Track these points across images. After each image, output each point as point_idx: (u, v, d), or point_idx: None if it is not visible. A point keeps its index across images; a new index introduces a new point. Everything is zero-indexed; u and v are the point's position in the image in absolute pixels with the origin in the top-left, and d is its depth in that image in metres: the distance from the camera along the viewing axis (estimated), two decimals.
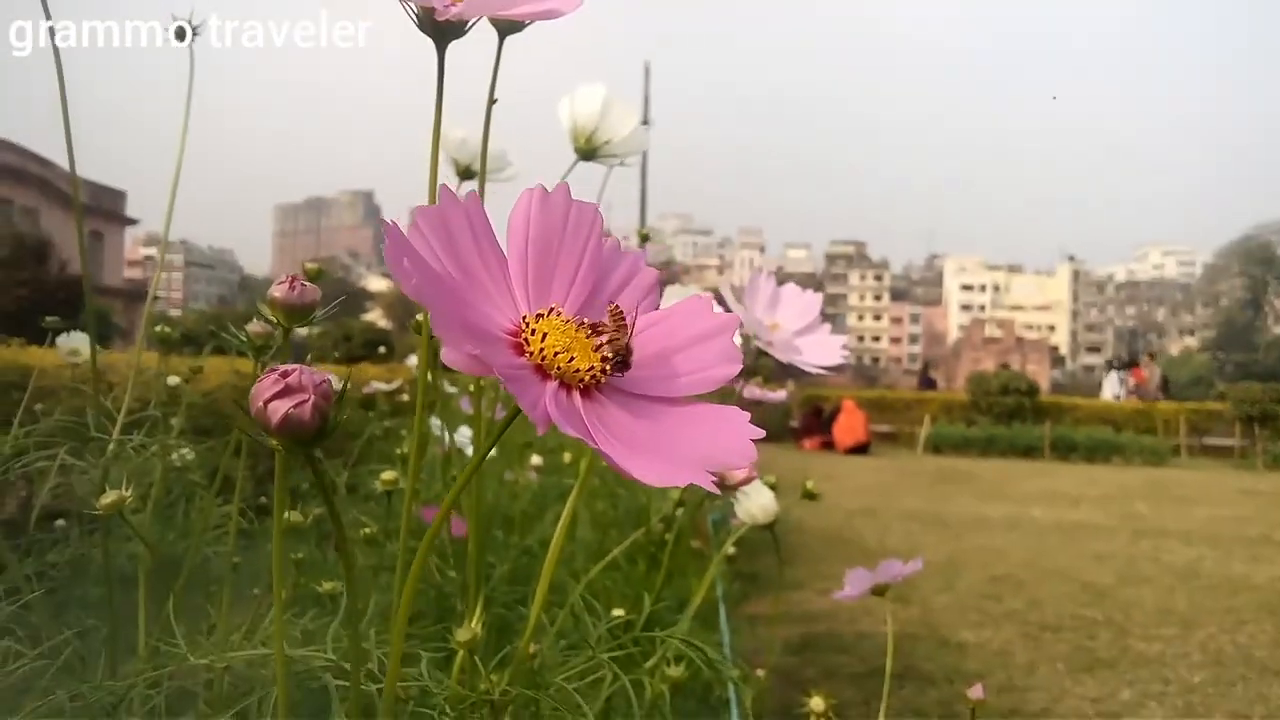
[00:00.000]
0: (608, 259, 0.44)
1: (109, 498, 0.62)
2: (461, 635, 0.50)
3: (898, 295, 66.54)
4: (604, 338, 0.40)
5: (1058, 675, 3.05)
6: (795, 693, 1.09)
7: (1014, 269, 64.94)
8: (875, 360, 58.46)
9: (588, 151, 0.94)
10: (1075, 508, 7.05)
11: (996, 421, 13.16)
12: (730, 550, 1.37)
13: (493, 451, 1.33)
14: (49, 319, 1.39)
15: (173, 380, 1.29)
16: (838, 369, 0.91)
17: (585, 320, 0.41)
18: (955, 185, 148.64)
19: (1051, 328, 58.55)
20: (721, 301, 0.86)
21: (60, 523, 1.20)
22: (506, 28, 0.59)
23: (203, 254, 64.07)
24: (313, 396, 0.38)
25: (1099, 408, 14.16)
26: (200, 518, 0.95)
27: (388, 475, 0.81)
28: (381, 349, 5.43)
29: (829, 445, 11.89)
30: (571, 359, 0.38)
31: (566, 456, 1.96)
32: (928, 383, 19.28)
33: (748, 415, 0.41)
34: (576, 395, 0.39)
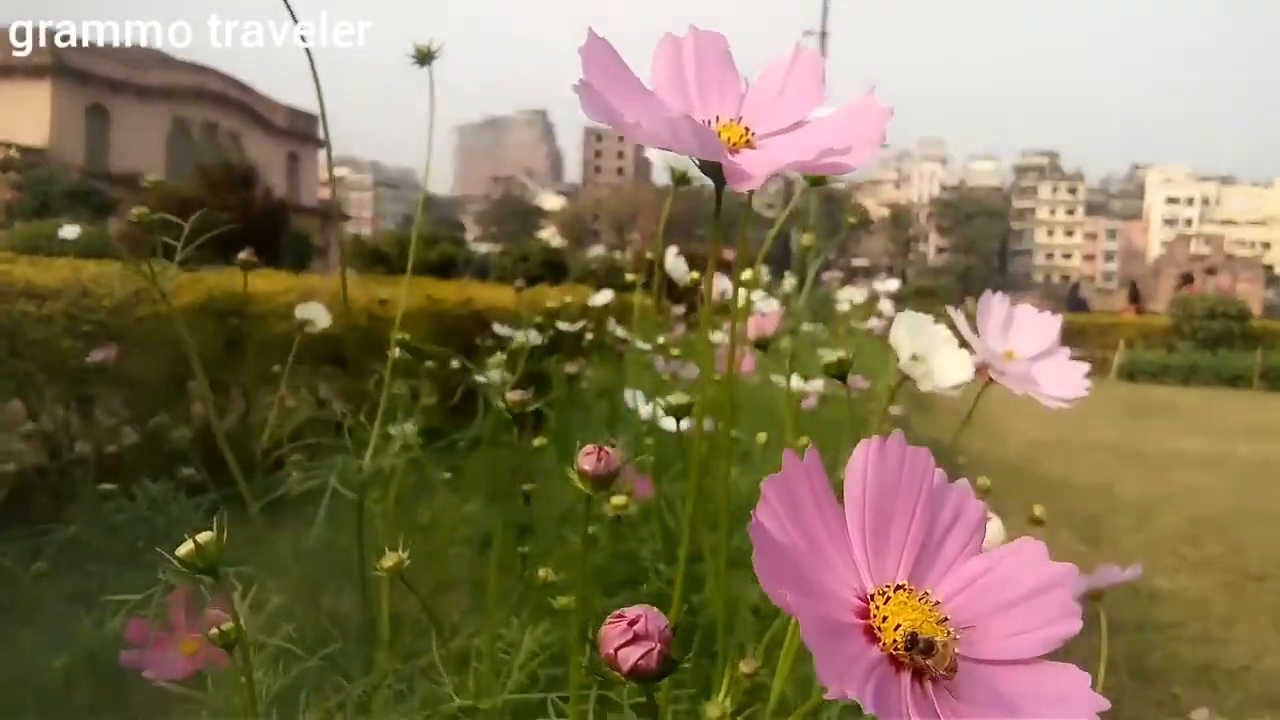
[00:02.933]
0: (937, 494, 0.43)
1: (389, 560, 0.67)
2: (711, 712, 0.52)
3: (1093, 209, 62.43)
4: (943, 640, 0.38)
5: (1260, 630, 2.89)
6: None
7: (1226, 180, 59.60)
8: (1065, 279, 55.31)
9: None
10: None
11: (1200, 348, 12.27)
12: None
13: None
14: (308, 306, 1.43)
15: (395, 353, 1.35)
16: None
17: (928, 591, 0.41)
18: (1162, 88, 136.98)
19: (1267, 245, 53.61)
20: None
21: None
22: None
23: (389, 174, 66.93)
24: (658, 645, 0.41)
25: None
26: (445, 515, 1.02)
27: (618, 500, 0.84)
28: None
29: None
30: None
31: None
32: (1078, 304, 18.06)
33: (1089, 679, 0.39)
34: (929, 683, 0.38)
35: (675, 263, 1.96)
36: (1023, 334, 0.86)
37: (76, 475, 1.59)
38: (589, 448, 0.55)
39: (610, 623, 0.41)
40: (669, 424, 1.29)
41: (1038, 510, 1.10)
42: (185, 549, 0.54)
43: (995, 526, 0.87)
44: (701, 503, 1.00)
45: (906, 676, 0.37)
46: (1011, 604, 0.41)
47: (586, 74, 0.45)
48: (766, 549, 0.36)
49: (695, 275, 1.86)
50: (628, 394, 1.67)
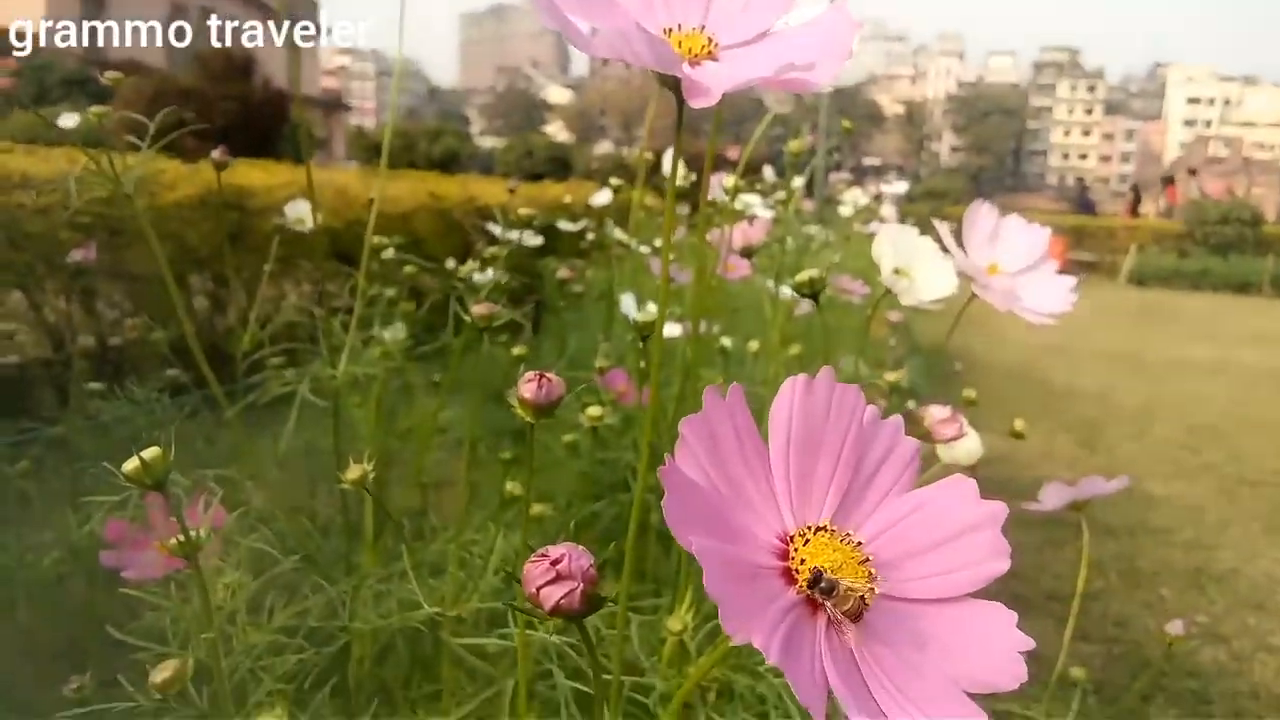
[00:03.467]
0: (867, 431, 0.42)
1: (353, 473, 0.65)
2: (673, 625, 0.51)
3: (1112, 108, 60.96)
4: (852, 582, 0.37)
5: (1251, 535, 2.92)
6: None
7: (1250, 80, 57.96)
8: (1079, 180, 54.37)
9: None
10: None
11: (1212, 253, 12.15)
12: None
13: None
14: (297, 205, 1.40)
15: (388, 253, 1.32)
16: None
17: (850, 533, 0.39)
18: None
19: None
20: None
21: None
22: None
23: (392, 64, 65.28)
24: (581, 584, 0.40)
25: None
26: (426, 420, 1.01)
27: (593, 411, 0.82)
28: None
29: None
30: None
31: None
32: (1086, 206, 17.80)
33: (1014, 617, 0.38)
34: (849, 629, 0.37)
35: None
36: (1008, 247, 0.82)
37: (78, 369, 1.60)
38: (529, 374, 0.53)
39: (533, 561, 0.40)
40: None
41: (1018, 424, 1.08)
42: (131, 465, 0.52)
43: (973, 441, 0.85)
44: (682, 409, 0.99)
45: (824, 619, 0.37)
46: (940, 543, 0.40)
47: None
48: (675, 491, 0.34)
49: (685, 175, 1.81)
50: (623, 298, 1.65)
